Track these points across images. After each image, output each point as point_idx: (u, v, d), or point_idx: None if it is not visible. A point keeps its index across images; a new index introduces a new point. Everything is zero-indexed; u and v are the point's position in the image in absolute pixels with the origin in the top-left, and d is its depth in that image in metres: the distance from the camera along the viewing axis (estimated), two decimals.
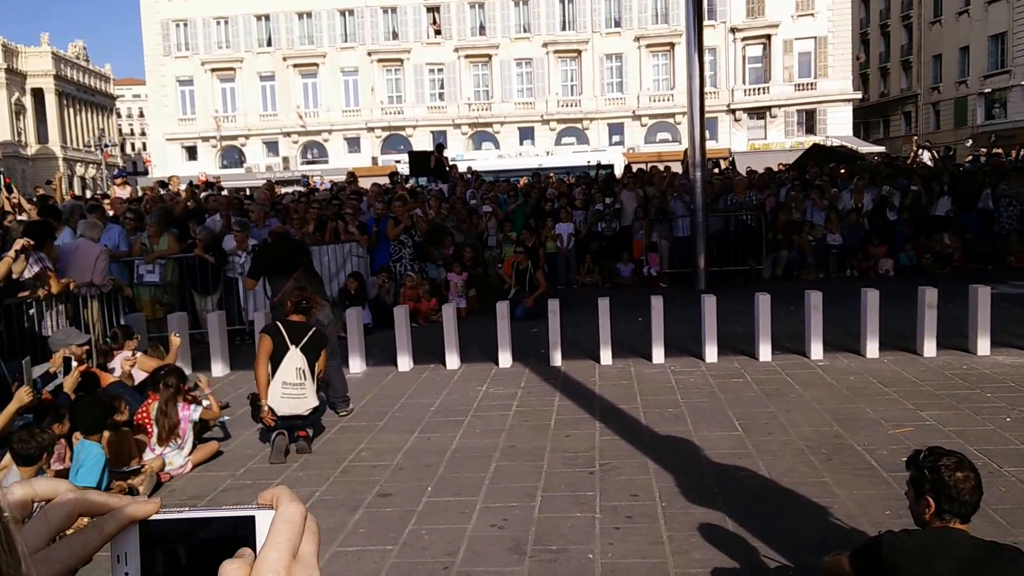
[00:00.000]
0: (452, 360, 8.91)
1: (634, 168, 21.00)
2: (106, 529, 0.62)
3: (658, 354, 8.64)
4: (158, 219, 11.05)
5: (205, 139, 45.25)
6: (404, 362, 8.95)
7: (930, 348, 8.31)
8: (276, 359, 6.17)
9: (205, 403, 6.29)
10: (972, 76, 43.53)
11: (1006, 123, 40.43)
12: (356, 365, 8.93)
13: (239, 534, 0.61)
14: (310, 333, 6.28)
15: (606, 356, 8.68)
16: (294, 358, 6.16)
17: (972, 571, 2.70)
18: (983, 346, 8.26)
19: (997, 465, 5.28)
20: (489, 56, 44.02)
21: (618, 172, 22.84)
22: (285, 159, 44.68)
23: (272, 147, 45.38)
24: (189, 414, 6.10)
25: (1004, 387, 7.14)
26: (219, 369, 9.11)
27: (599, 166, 19.99)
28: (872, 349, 8.39)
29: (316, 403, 6.29)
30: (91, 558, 0.63)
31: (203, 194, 14.63)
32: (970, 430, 6.05)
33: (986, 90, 42.32)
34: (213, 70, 45.03)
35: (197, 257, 10.78)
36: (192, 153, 45.63)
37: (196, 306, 10.90)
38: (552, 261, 13.90)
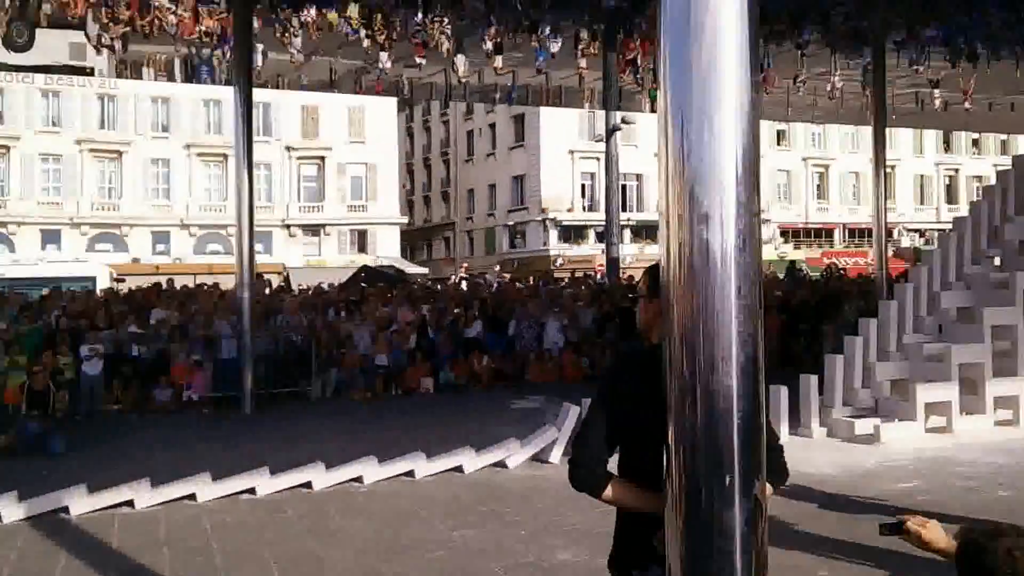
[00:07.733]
0: None
1: (179, 283, 19.61)
2: None
3: (205, 492, 7.73)
4: None
5: None
6: None
7: (471, 464, 8.67)
8: None
9: None
10: (499, 209, 50.00)
11: (525, 252, 46.96)
12: None
13: None
14: None
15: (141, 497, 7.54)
16: None
17: None
18: (514, 460, 8.88)
19: None
20: (7, 148, 38.72)
21: (100, 286, 21.38)
22: None
23: None
24: None
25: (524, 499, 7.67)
26: None
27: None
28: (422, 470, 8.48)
29: None
30: None
31: None
32: (501, 548, 6.30)
33: (509, 223, 48.87)
34: None
35: None
36: None
37: None
38: (75, 388, 12.15)
